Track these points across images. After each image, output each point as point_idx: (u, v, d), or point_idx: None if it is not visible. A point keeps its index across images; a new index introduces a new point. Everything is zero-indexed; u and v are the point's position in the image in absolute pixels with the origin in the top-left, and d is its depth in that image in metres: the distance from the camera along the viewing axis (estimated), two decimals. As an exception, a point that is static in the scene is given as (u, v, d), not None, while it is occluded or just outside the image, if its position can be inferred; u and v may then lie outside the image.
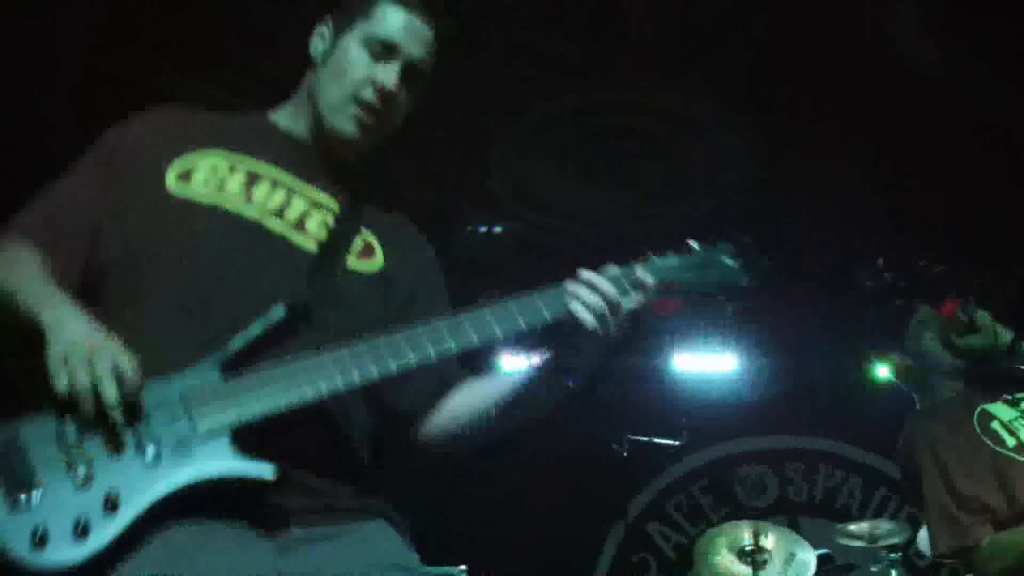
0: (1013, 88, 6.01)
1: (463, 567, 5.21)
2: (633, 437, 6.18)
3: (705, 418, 7.28)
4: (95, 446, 1.76)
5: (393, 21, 2.19)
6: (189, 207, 2.02)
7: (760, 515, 6.50)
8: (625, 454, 6.11)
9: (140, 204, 2.02)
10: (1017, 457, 2.88)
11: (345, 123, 2.16)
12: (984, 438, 2.94)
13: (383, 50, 2.18)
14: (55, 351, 1.75)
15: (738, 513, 7.17)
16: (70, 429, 1.76)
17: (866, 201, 6.84)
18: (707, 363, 7.53)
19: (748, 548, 5.63)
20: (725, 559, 5.78)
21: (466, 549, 5.68)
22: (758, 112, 6.08)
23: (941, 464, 2.90)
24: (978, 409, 3.02)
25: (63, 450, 1.74)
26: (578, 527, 7.35)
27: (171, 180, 2.05)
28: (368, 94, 2.16)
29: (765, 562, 5.63)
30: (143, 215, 2.01)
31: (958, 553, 2.86)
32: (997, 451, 2.91)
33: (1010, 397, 3.05)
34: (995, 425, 2.97)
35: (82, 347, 1.76)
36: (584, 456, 7.14)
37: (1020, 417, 2.99)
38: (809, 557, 5.64)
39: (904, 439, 3.07)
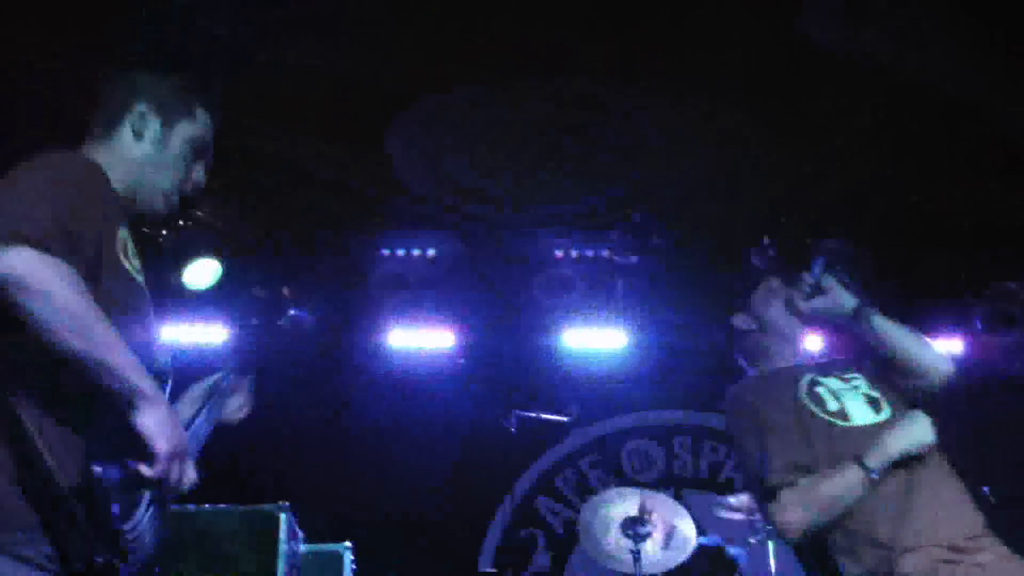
0: (914, 60, 6.18)
1: (348, 543, 5.21)
2: (521, 413, 6.19)
3: (594, 394, 7.37)
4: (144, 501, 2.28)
5: (207, 123, 2.68)
6: (131, 280, 2.42)
7: (647, 488, 6.55)
8: (513, 430, 6.12)
9: (109, 263, 2.33)
10: (837, 422, 2.97)
11: (160, 205, 2.61)
12: (807, 402, 3.02)
13: (202, 149, 2.66)
14: (160, 434, 2.19)
15: (625, 487, 7.25)
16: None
17: (762, 178, 6.95)
18: (596, 339, 7.59)
19: (633, 515, 5.68)
20: (610, 532, 5.83)
21: (353, 526, 5.66)
22: (658, 94, 6.17)
23: (759, 424, 2.97)
24: (808, 377, 3.10)
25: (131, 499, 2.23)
26: (466, 503, 7.38)
27: (120, 252, 2.39)
28: (187, 188, 2.65)
29: (649, 534, 5.70)
30: (109, 276, 2.33)
31: (761, 496, 2.95)
32: (817, 414, 2.99)
33: (843, 375, 3.12)
34: (821, 391, 3.06)
35: (184, 448, 2.25)
36: (472, 433, 7.16)
37: (849, 390, 3.06)
38: (690, 529, 5.74)
39: (728, 400, 3.16)
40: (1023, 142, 6.65)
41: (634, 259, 7.45)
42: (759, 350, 3.29)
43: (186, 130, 2.62)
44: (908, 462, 2.91)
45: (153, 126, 2.60)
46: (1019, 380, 7.73)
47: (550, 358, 7.50)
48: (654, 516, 5.72)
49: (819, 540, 2.89)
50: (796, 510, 2.87)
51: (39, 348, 2.11)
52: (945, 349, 7.65)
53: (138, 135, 2.58)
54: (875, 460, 2.86)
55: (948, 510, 2.91)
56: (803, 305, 3.18)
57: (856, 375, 3.14)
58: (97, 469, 2.11)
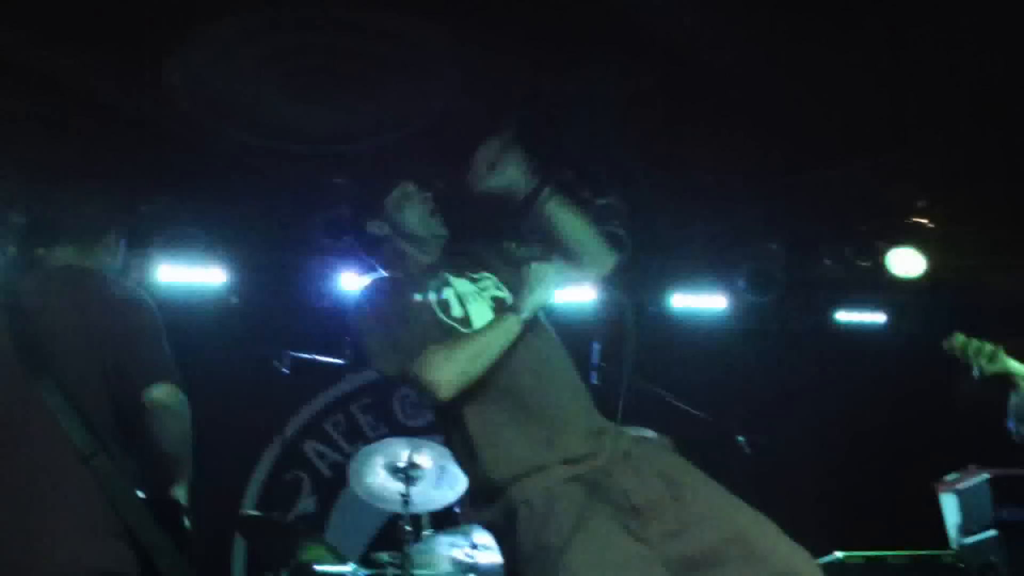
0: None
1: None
2: (295, 354, 6.06)
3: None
4: None
5: None
6: None
7: (417, 434, 6.57)
8: (286, 371, 5.98)
9: None
10: (459, 329, 3.05)
11: None
12: (435, 307, 3.10)
13: None
14: None
15: (395, 432, 7.25)
16: None
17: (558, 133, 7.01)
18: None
19: (402, 465, 5.71)
20: (380, 476, 5.84)
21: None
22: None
23: (387, 324, 3.04)
24: (438, 281, 3.18)
25: None
26: (233, 444, 7.20)
27: None
28: None
29: (419, 478, 5.74)
30: None
31: (403, 371, 2.99)
32: (443, 320, 3.07)
33: (474, 276, 3.21)
34: (448, 294, 3.14)
35: None
36: (243, 372, 6.99)
37: (476, 293, 3.15)
38: (457, 470, 5.78)
39: (359, 298, 3.21)
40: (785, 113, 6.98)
41: (415, 205, 7.40)
42: (395, 255, 3.33)
43: None
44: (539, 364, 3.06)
45: None
46: (777, 335, 8.15)
47: (325, 299, 7.37)
48: (423, 463, 5.76)
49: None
50: (446, 363, 2.92)
51: None
52: (709, 304, 8.00)
53: None
54: (517, 304, 3.03)
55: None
56: (479, 185, 3.18)
57: (486, 275, 3.23)
58: None
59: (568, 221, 3.15)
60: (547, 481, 2.87)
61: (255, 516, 6.60)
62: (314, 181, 7.36)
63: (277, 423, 7.24)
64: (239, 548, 7.15)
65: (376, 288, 3.25)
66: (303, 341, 6.31)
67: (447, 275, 3.23)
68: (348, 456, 7.50)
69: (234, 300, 7.39)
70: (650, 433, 5.53)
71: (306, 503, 7.36)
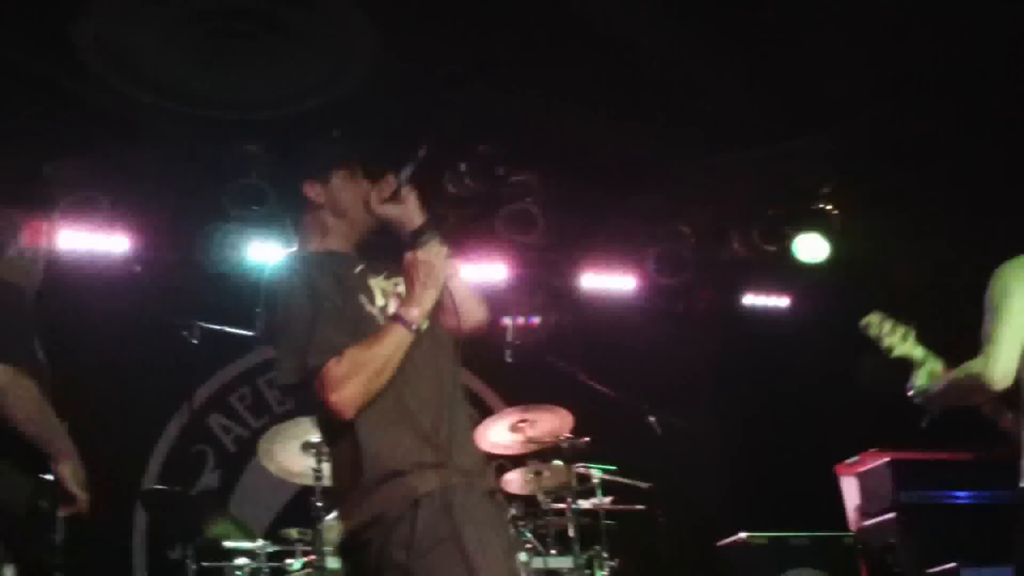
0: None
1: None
2: (204, 324, 5.92)
3: (278, 310, 7.15)
4: None
5: None
6: None
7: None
8: (195, 341, 5.84)
9: None
10: (381, 320, 2.99)
11: None
12: (360, 292, 3.03)
13: None
14: None
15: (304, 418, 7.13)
16: None
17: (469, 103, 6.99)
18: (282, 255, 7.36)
19: (315, 441, 5.64)
20: (291, 452, 5.77)
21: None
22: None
23: (314, 300, 2.93)
24: (360, 267, 3.11)
25: None
26: (138, 414, 7.04)
27: None
28: None
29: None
30: None
31: (304, 379, 2.88)
32: (366, 306, 3.01)
33: (389, 278, 3.14)
34: (372, 283, 3.09)
35: None
36: (148, 342, 6.83)
37: (392, 295, 3.08)
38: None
39: (283, 269, 3.09)
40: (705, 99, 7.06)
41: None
42: (319, 228, 3.19)
43: None
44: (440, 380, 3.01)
45: None
46: (685, 316, 8.23)
47: (235, 270, 7.22)
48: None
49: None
50: (349, 382, 2.82)
51: None
52: (620, 285, 8.05)
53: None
54: (414, 313, 2.92)
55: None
56: (376, 206, 3.13)
57: (400, 281, 3.13)
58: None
59: (446, 269, 3.06)
60: (444, 479, 2.82)
61: (157, 489, 6.47)
62: (225, 148, 7.21)
63: (182, 395, 7.07)
64: (139, 522, 6.99)
65: (294, 266, 3.07)
66: (210, 311, 6.16)
67: (367, 267, 3.13)
68: (254, 431, 7.42)
69: (137, 268, 7.19)
70: None
71: (210, 478, 7.22)
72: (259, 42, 6.43)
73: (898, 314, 7.42)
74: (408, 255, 3.01)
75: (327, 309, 2.90)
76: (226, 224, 7.15)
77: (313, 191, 3.16)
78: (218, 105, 6.94)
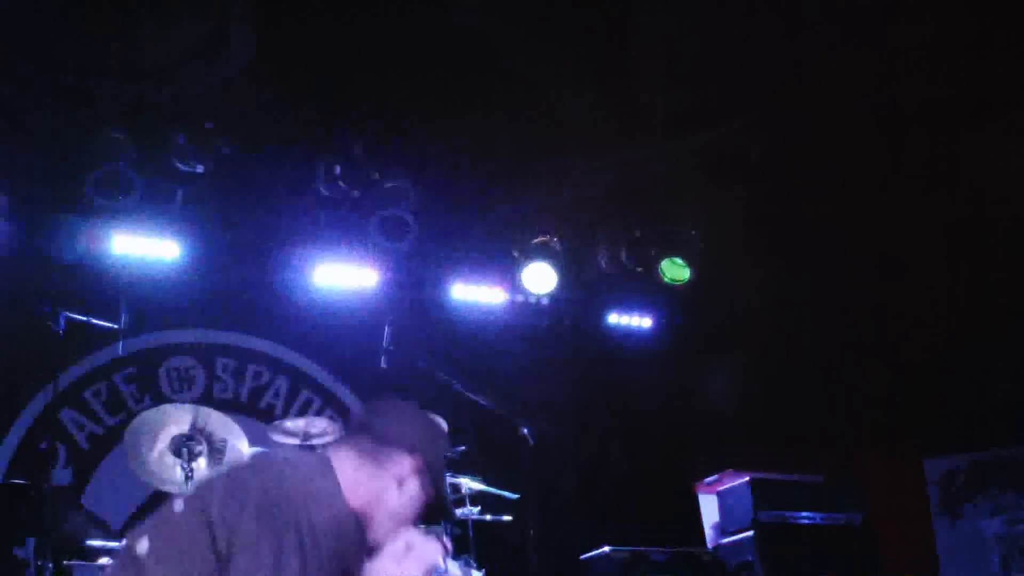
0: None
1: None
2: (70, 315, 5.69)
3: (142, 304, 6.93)
4: None
5: None
6: None
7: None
8: (61, 332, 5.61)
9: None
10: None
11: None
12: None
13: None
14: None
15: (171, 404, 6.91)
16: None
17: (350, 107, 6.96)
18: (148, 247, 7.15)
19: (185, 434, 5.49)
20: (158, 448, 5.58)
21: None
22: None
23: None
24: None
25: None
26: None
27: None
28: None
29: (200, 453, 5.53)
30: None
31: None
32: None
33: None
34: None
35: None
36: (10, 331, 6.54)
37: None
38: (244, 445, 5.63)
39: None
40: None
41: (199, 168, 7.14)
42: (374, 497, 2.80)
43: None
44: None
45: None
46: (569, 326, 8.32)
47: (100, 261, 6.98)
48: (206, 433, 5.56)
49: None
50: None
51: None
52: (488, 298, 8.08)
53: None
54: None
55: None
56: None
57: None
58: None
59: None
60: None
61: (6, 483, 6.19)
62: (90, 133, 6.99)
63: (34, 387, 6.77)
64: (-16, 518, 6.66)
65: (331, 520, 2.66)
66: (69, 301, 5.92)
67: None
68: (109, 428, 7.18)
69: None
70: None
71: (61, 474, 6.92)
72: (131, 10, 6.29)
73: (746, 337, 7.73)
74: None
75: None
76: (88, 212, 6.90)
77: (410, 467, 2.81)
78: (83, 73, 6.71)
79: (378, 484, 2.75)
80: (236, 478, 2.67)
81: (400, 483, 2.76)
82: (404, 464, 2.77)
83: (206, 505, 2.56)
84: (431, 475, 2.83)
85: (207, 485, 2.68)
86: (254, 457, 3.02)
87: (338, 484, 2.70)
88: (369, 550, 2.81)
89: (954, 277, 7.30)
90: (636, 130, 7.58)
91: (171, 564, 2.53)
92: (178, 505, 2.66)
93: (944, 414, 7.18)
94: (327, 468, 2.73)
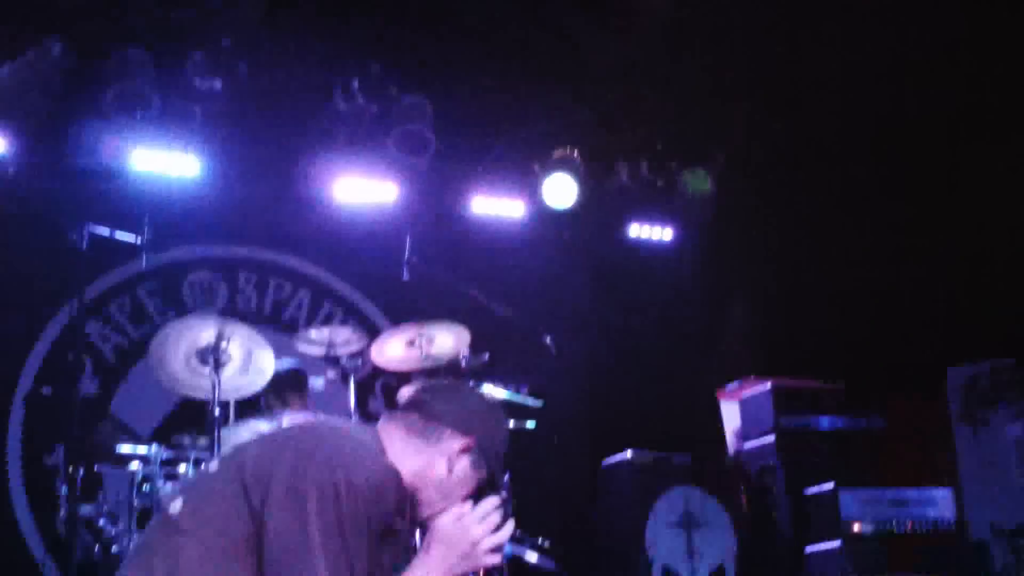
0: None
1: None
2: (93, 229, 5.69)
3: (163, 219, 6.92)
4: None
5: None
6: None
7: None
8: (84, 245, 5.61)
9: None
10: None
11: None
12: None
13: None
14: None
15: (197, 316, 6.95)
16: None
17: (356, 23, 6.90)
18: (168, 163, 7.18)
19: (208, 347, 5.53)
20: (183, 359, 5.63)
21: None
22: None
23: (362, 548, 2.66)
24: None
25: None
26: (12, 321, 6.80)
27: None
28: None
29: (226, 363, 5.57)
30: None
31: None
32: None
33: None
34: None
35: None
36: (27, 246, 6.58)
37: None
38: (268, 356, 5.67)
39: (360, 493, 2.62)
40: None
41: (217, 85, 7.12)
42: (428, 480, 2.76)
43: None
44: None
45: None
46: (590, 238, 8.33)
47: (121, 176, 6.99)
48: (231, 343, 5.59)
49: None
50: None
51: None
52: (509, 211, 8.07)
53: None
54: None
55: None
56: (485, 554, 2.75)
57: None
58: None
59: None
60: None
61: (38, 392, 6.27)
62: (108, 50, 6.96)
63: (60, 300, 6.83)
64: (14, 427, 6.75)
65: (382, 484, 2.60)
66: (92, 215, 5.92)
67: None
68: (133, 341, 7.25)
69: (10, 170, 6.89)
70: None
71: (88, 386, 7.00)
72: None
73: (776, 258, 7.72)
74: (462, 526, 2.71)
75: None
76: (101, 123, 6.89)
77: (460, 445, 2.74)
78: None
79: (425, 459, 2.70)
80: (274, 440, 2.65)
81: (449, 460, 2.71)
82: (454, 443, 2.71)
83: (241, 465, 2.54)
84: (484, 456, 2.75)
85: (244, 446, 2.67)
86: (296, 422, 3.00)
87: (383, 450, 2.66)
88: (419, 524, 2.80)
89: (976, 187, 7.25)
90: (655, 44, 7.52)
91: (206, 525, 2.50)
92: (213, 465, 2.67)
93: (966, 321, 7.17)
94: (372, 436, 2.71)
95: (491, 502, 2.74)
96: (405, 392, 2.91)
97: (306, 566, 2.42)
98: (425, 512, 2.75)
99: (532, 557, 2.69)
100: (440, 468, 2.70)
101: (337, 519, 2.45)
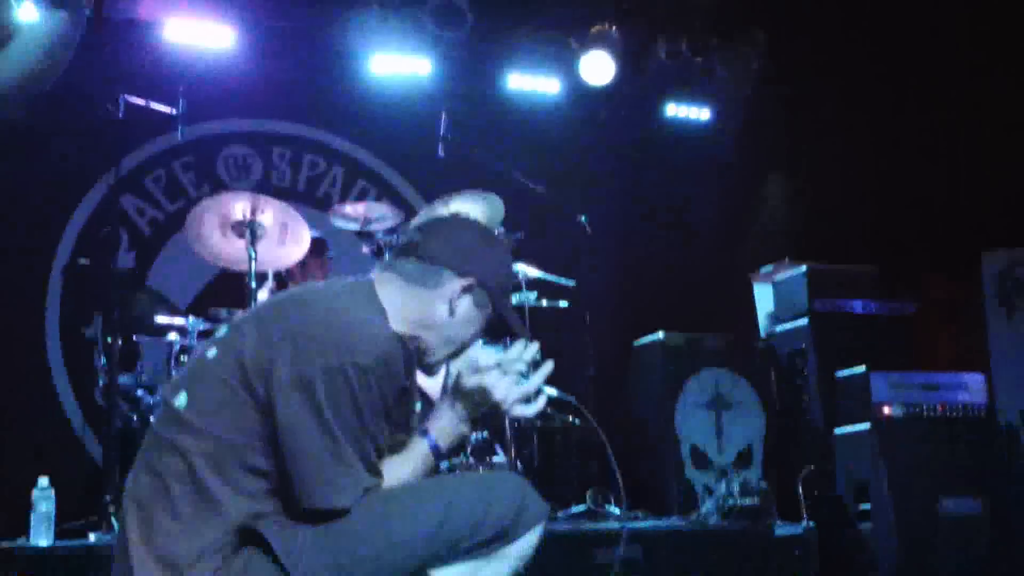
0: None
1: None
2: (129, 98, 5.66)
3: (198, 92, 6.87)
4: None
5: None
6: None
7: (249, 193, 6.33)
8: (120, 115, 5.59)
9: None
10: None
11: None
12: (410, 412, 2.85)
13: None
14: None
15: (219, 193, 6.95)
16: None
17: None
18: (202, 34, 7.12)
19: (244, 220, 5.55)
20: (219, 232, 5.65)
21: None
22: None
23: (379, 415, 2.67)
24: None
25: None
26: (49, 194, 6.83)
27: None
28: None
29: (261, 236, 5.60)
30: None
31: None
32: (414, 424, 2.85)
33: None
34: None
35: None
36: (65, 117, 6.58)
37: None
38: (303, 227, 5.70)
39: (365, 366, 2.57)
40: None
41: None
42: (430, 324, 2.68)
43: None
44: None
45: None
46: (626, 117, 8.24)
47: (155, 44, 6.95)
48: (264, 216, 5.61)
49: None
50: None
51: None
52: (544, 87, 7.99)
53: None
54: (447, 440, 2.71)
55: None
56: (516, 407, 2.71)
57: None
58: None
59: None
60: None
61: (78, 263, 6.33)
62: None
63: (94, 174, 6.84)
64: (52, 299, 6.85)
65: (386, 352, 2.51)
66: (127, 85, 5.88)
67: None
68: (169, 214, 7.28)
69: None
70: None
71: (124, 259, 7.04)
72: None
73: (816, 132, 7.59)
74: (490, 378, 2.65)
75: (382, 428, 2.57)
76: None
77: (460, 285, 2.66)
78: None
79: (426, 306, 2.63)
80: (270, 318, 2.54)
81: (451, 303, 2.62)
82: (454, 283, 2.63)
83: (240, 351, 2.47)
84: (487, 292, 2.66)
85: (238, 327, 2.57)
86: (290, 291, 2.81)
87: (384, 311, 2.58)
88: (428, 369, 2.74)
89: (1020, 69, 7.08)
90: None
91: (212, 416, 2.45)
92: (211, 352, 2.56)
93: (1004, 205, 7.07)
94: (371, 295, 2.61)
95: (516, 350, 2.69)
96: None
97: (326, 454, 2.39)
98: (432, 358, 2.70)
99: (552, 391, 2.65)
100: (442, 311, 2.63)
101: (352, 404, 2.41)
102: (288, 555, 2.39)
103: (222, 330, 2.64)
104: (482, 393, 2.64)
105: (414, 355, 2.67)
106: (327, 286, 2.70)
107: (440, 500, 2.49)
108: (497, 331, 2.83)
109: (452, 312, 2.64)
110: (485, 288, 2.67)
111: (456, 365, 2.73)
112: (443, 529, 2.46)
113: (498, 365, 2.65)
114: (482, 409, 2.67)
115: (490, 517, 2.49)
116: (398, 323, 2.59)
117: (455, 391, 2.67)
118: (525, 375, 2.68)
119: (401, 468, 2.59)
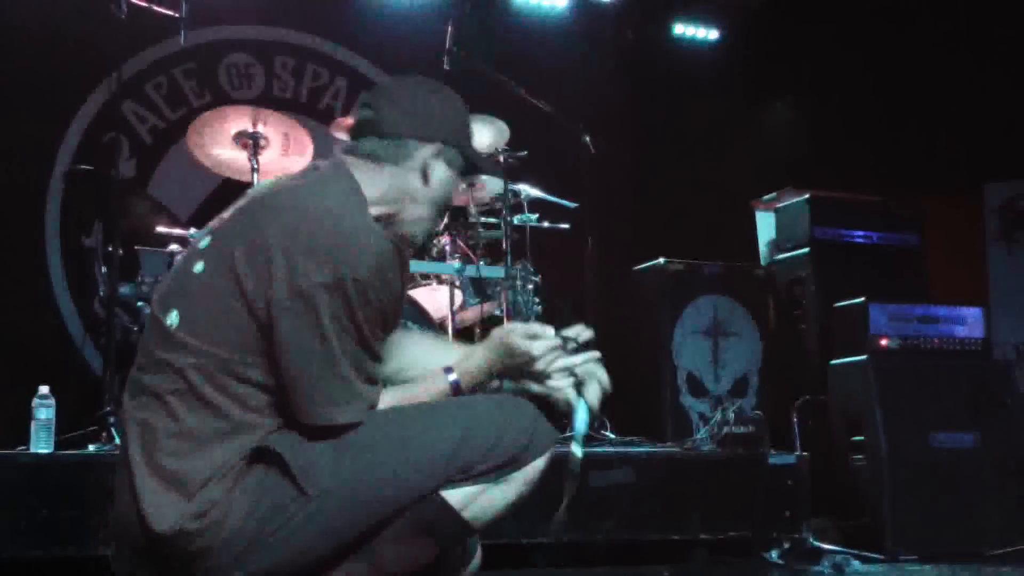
0: None
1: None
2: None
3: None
4: None
5: None
6: None
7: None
8: (123, 15, 5.47)
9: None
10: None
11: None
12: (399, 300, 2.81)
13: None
14: None
15: (221, 102, 6.87)
16: None
17: None
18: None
19: (247, 132, 5.53)
20: (223, 144, 5.64)
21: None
22: None
23: (374, 321, 2.65)
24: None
25: None
26: (49, 98, 6.75)
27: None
28: None
29: (264, 147, 5.59)
30: None
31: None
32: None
33: None
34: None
35: None
36: (72, 16, 6.47)
37: None
38: (305, 137, 5.69)
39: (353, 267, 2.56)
40: None
41: None
42: (407, 197, 2.66)
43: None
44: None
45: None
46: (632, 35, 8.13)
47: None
48: (267, 127, 5.59)
49: None
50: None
51: None
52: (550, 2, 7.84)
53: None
54: (468, 382, 2.75)
55: None
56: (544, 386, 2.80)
57: None
58: None
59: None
60: None
61: (73, 169, 6.28)
62: None
63: (95, 79, 6.76)
64: (52, 208, 6.81)
65: (375, 250, 2.46)
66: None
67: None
68: (170, 122, 7.21)
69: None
70: None
71: (125, 167, 6.97)
72: None
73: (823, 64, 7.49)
74: (518, 337, 2.70)
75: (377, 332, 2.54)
76: None
77: (428, 152, 2.63)
78: None
79: (400, 182, 2.60)
80: (257, 223, 2.44)
81: (423, 172, 2.60)
82: (422, 151, 2.60)
83: (232, 264, 2.40)
84: (455, 147, 2.65)
85: (223, 235, 2.49)
86: (268, 187, 2.65)
87: (365, 201, 2.53)
88: (415, 244, 2.75)
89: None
90: None
91: (209, 339, 2.41)
92: (198, 266, 2.47)
93: (1008, 137, 7.03)
94: (354, 186, 2.54)
95: (575, 330, 2.75)
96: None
97: (330, 365, 2.39)
98: (417, 228, 2.67)
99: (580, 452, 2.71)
100: (415, 182, 2.61)
101: (351, 319, 2.39)
102: (302, 471, 2.39)
103: (204, 240, 2.54)
104: (525, 356, 2.69)
105: (406, 254, 2.70)
106: (306, 178, 2.61)
107: (458, 424, 2.50)
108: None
109: (427, 181, 2.63)
110: (453, 145, 2.66)
111: (512, 324, 2.78)
112: (459, 453, 2.47)
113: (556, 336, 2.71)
114: (516, 370, 2.71)
115: (503, 443, 2.51)
116: (378, 206, 2.56)
117: (498, 342, 2.71)
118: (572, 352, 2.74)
119: (417, 400, 2.60)
